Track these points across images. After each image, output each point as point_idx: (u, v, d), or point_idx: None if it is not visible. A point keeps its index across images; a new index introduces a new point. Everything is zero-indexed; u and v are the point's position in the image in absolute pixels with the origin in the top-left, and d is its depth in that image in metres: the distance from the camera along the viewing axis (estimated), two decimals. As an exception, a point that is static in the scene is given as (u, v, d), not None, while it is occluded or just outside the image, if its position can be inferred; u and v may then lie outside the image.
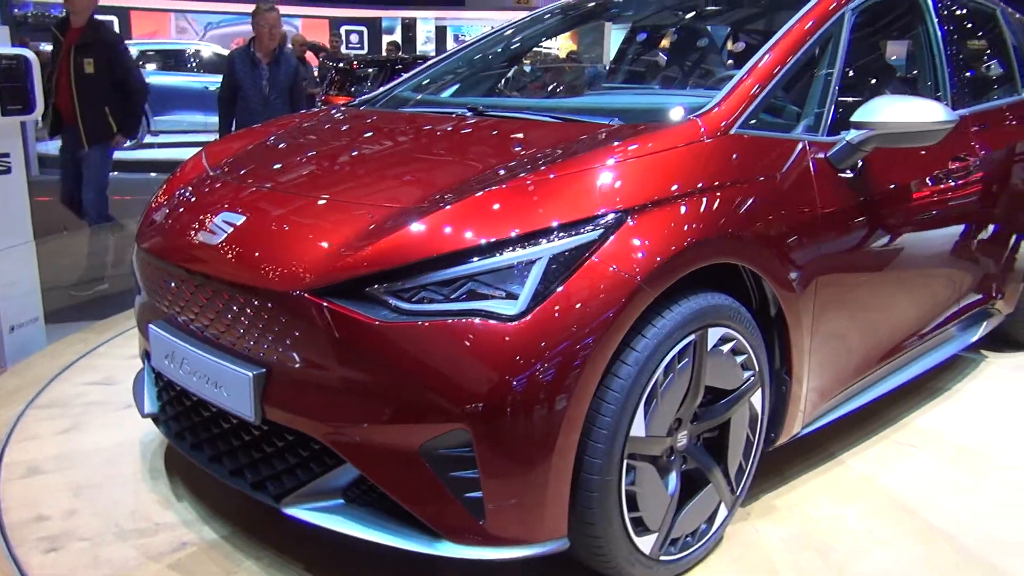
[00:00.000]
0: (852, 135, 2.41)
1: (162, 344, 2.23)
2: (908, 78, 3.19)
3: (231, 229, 2.08)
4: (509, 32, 3.46)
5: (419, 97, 3.04)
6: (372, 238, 1.85)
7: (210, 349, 2.07)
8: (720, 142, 2.17)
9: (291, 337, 1.88)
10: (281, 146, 2.58)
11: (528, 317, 1.75)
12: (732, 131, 2.21)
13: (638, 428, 1.91)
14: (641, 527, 2.01)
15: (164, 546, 2.24)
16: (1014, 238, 3.53)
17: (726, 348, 2.12)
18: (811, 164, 2.36)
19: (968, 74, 3.30)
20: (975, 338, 3.40)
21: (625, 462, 1.91)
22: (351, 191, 2.13)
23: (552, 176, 1.94)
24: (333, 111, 3.00)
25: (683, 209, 1.98)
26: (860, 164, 2.48)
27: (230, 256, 2.02)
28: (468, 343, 1.74)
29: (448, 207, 1.87)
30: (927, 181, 2.81)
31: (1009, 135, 3.44)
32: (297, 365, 1.88)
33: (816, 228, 2.32)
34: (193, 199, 2.33)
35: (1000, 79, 3.77)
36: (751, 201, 2.15)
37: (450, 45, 24.71)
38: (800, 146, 2.36)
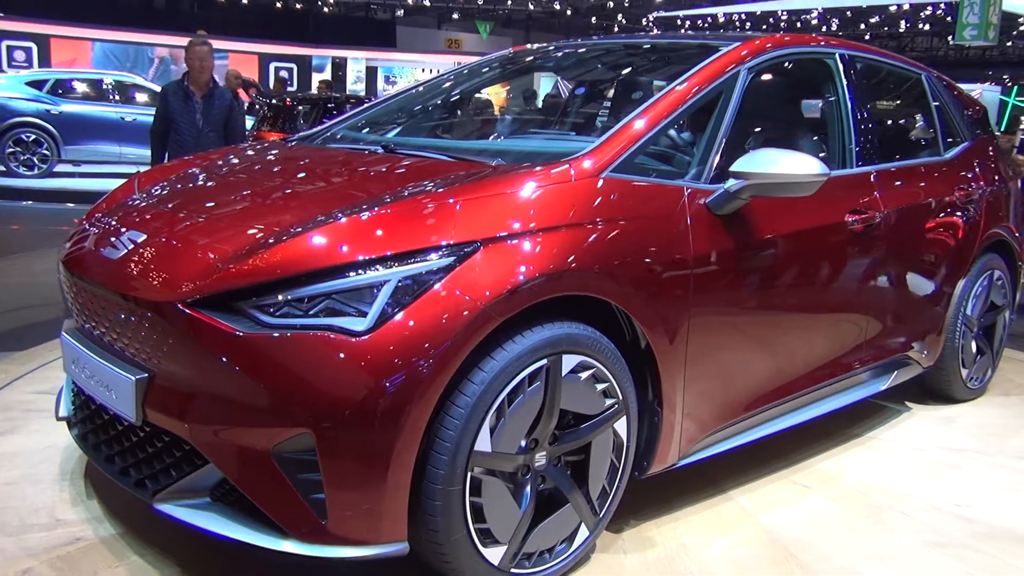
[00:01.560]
0: (730, 184, 2.57)
1: (70, 350, 2.42)
2: (814, 133, 3.35)
3: (132, 245, 2.27)
4: (447, 83, 3.68)
5: (348, 135, 3.24)
6: (244, 257, 2.03)
7: (105, 355, 2.25)
8: (588, 184, 2.33)
9: (166, 344, 2.05)
10: (204, 174, 2.78)
11: (374, 334, 1.92)
12: (603, 175, 2.38)
13: (483, 444, 2.06)
14: (489, 539, 2.14)
15: (58, 540, 2.40)
16: (930, 293, 3.66)
17: (584, 375, 2.26)
18: (688, 209, 2.52)
19: (879, 133, 3.45)
20: (885, 387, 3.51)
21: (470, 475, 2.05)
22: (245, 214, 2.32)
23: (413, 206, 2.12)
24: (267, 145, 3.22)
25: (538, 244, 2.14)
26: (746, 211, 2.64)
27: (125, 269, 2.21)
28: (317, 355, 1.91)
29: (312, 231, 2.05)
30: (818, 231, 2.95)
31: (923, 193, 3.58)
32: (172, 370, 2.06)
33: (689, 270, 2.47)
34: (111, 219, 2.53)
35: (922, 140, 3.93)
36: (614, 241, 2.30)
37: (380, 85, 24.91)
38: (680, 192, 2.53)
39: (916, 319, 3.62)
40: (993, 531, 2.80)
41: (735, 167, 2.56)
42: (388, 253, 1.99)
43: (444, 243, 2.03)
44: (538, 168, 2.33)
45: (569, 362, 2.21)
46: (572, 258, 2.18)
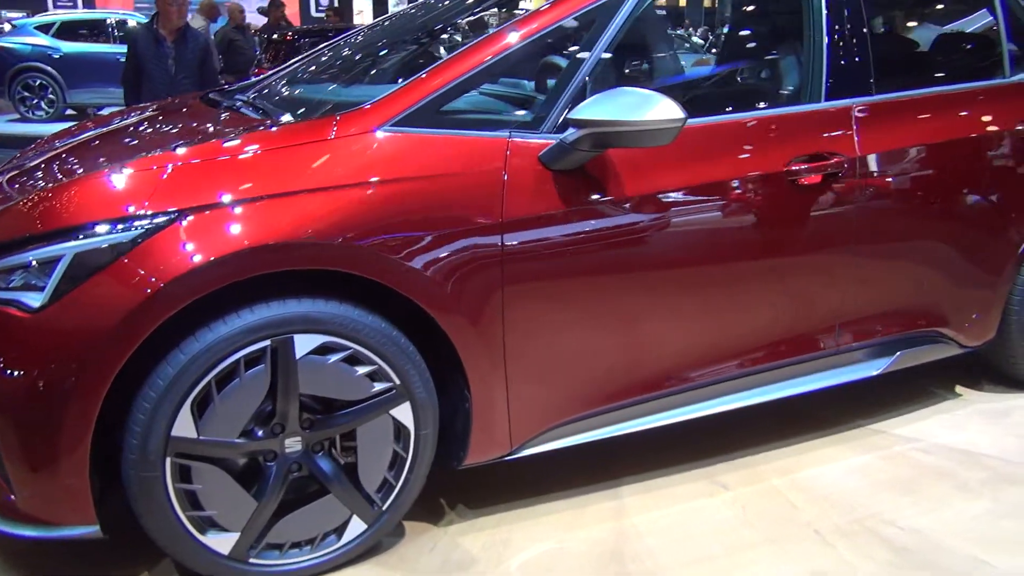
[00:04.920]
0: (567, 133, 2.17)
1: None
2: (765, 67, 2.72)
3: None
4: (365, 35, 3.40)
5: (270, 87, 3.09)
6: None
7: None
8: (350, 141, 2.06)
9: None
10: (92, 132, 2.75)
11: (46, 311, 1.83)
12: (382, 129, 2.08)
13: (185, 430, 1.91)
14: (213, 526, 2.01)
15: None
16: (970, 254, 2.91)
17: (333, 358, 2.03)
18: (507, 166, 2.16)
19: (881, 56, 2.72)
20: (878, 372, 2.85)
21: (170, 460, 1.92)
22: (44, 176, 2.29)
23: (121, 172, 1.98)
24: (177, 102, 3.17)
25: (259, 212, 1.93)
26: (605, 165, 2.24)
27: None
28: None
29: (18, 201, 1.99)
30: (722, 187, 2.41)
31: (958, 126, 2.82)
32: None
33: (498, 238, 2.13)
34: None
35: (979, 61, 3.09)
36: (380, 206, 2.02)
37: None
38: (499, 145, 2.17)
39: (940, 288, 2.89)
40: (920, 564, 2.21)
41: (572, 114, 2.15)
42: (70, 224, 1.88)
43: (135, 213, 1.88)
44: (293, 124, 2.10)
45: (307, 343, 1.99)
46: (304, 228, 1.94)
